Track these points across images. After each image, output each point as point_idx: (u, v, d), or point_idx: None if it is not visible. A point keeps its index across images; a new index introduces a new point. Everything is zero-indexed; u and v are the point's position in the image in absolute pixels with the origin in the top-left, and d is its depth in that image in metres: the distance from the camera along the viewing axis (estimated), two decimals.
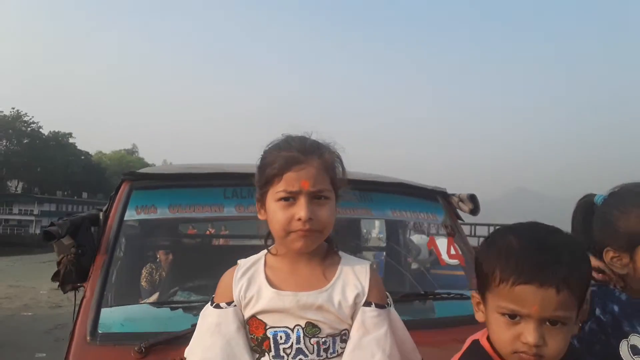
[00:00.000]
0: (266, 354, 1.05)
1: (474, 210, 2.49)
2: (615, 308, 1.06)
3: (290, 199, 1.03)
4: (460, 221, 2.56)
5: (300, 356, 1.03)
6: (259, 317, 1.06)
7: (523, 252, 0.88)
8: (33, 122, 52.87)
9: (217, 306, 1.09)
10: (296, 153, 1.05)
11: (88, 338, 1.73)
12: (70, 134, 57.52)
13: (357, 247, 2.73)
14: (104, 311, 1.82)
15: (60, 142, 52.88)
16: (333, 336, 1.05)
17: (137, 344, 1.59)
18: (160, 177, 2.42)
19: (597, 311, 1.07)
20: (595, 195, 1.18)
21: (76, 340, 1.74)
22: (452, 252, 2.41)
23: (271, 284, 1.07)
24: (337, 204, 1.12)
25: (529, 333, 0.84)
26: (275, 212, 1.04)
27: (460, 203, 2.54)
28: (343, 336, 1.05)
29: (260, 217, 1.10)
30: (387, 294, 1.14)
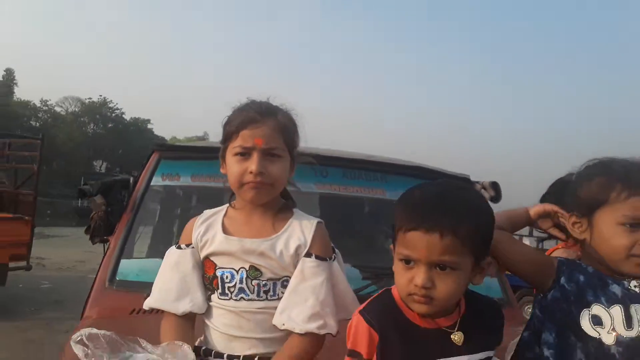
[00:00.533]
0: (215, 291, 1.17)
1: (496, 198, 2.45)
2: (581, 278, 1.04)
3: (245, 154, 1.14)
4: None
5: (242, 295, 1.14)
6: (211, 258, 1.18)
7: (418, 202, 0.93)
8: (117, 109, 57.26)
9: (179, 247, 1.22)
10: (253, 113, 1.16)
11: (107, 283, 1.97)
12: (148, 120, 61.61)
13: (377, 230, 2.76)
14: (123, 262, 2.05)
15: (139, 127, 56.88)
16: (274, 280, 1.15)
17: (147, 292, 1.79)
18: (186, 149, 2.67)
19: (562, 280, 1.04)
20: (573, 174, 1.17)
21: (97, 284, 1.99)
22: None
23: (225, 230, 1.19)
24: (294, 165, 1.23)
25: (418, 276, 0.89)
26: (232, 166, 1.16)
27: (482, 190, 2.51)
28: (284, 282, 1.15)
29: (222, 170, 1.22)
30: (336, 250, 1.22)
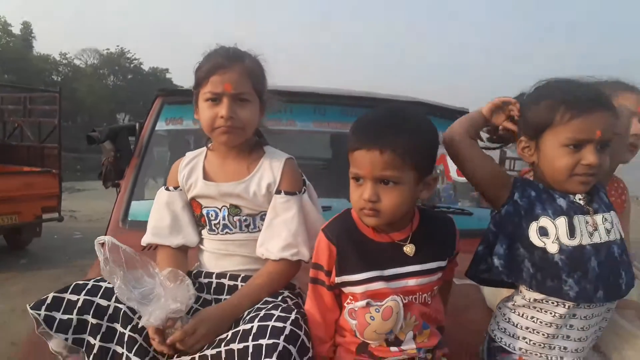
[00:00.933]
0: (204, 227, 1.30)
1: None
2: (532, 193, 1.09)
3: (215, 99, 1.20)
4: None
5: (227, 230, 1.27)
6: (197, 199, 1.30)
7: (363, 125, 1.02)
8: (135, 59, 56.84)
9: (167, 189, 1.34)
10: (221, 59, 1.21)
11: (120, 224, 2.11)
12: (167, 70, 61.18)
13: None
14: (134, 204, 2.18)
15: (158, 77, 56.66)
16: (253, 215, 1.26)
17: None
18: (188, 93, 2.70)
19: (516, 196, 1.10)
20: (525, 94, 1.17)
21: (111, 225, 2.13)
22: None
23: (205, 175, 1.29)
24: (265, 108, 1.29)
25: (365, 191, 0.99)
26: (203, 111, 1.23)
27: None
28: (262, 216, 1.26)
29: (195, 116, 1.29)
30: (307, 183, 1.29)
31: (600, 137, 1.02)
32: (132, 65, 56.88)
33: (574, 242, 1.03)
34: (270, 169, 1.26)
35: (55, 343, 1.09)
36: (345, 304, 1.06)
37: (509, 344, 1.10)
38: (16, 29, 45.23)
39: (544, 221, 1.05)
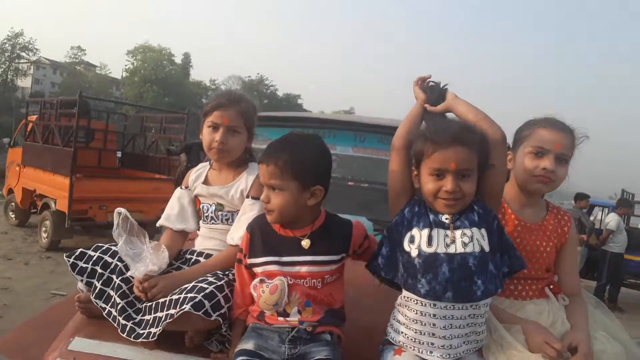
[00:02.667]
0: (202, 218, 1.71)
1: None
2: (416, 209, 1.30)
3: (215, 127, 1.63)
4: None
5: (213, 221, 1.68)
6: (198, 197, 1.73)
7: (267, 146, 1.34)
8: (272, 85, 62.36)
9: (181, 188, 1.79)
10: (224, 100, 1.64)
11: None
12: (299, 96, 65.89)
13: None
14: None
15: (290, 103, 61.25)
16: (232, 212, 1.65)
17: None
18: (272, 119, 3.19)
19: (406, 210, 1.31)
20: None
21: None
22: None
23: (205, 180, 1.72)
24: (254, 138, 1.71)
25: (263, 194, 1.32)
26: (205, 134, 1.66)
27: None
28: (239, 212, 1.62)
29: (200, 136, 1.71)
30: None
31: (456, 168, 1.22)
32: (268, 91, 62.64)
33: (430, 250, 1.22)
34: (246, 179, 1.64)
35: (80, 284, 1.58)
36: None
37: (393, 338, 1.29)
38: (178, 59, 53.22)
39: (414, 231, 1.26)
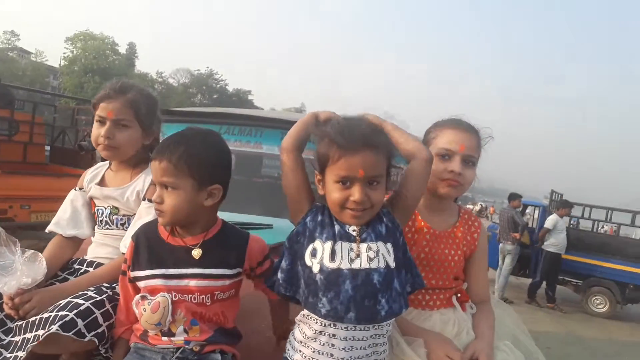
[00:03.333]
0: (97, 222, 1.56)
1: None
2: (320, 218, 1.18)
3: (101, 122, 1.48)
4: None
5: (107, 226, 1.54)
6: (93, 199, 1.57)
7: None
8: (222, 80, 61.01)
9: (75, 189, 1.62)
10: (108, 90, 1.50)
11: None
12: (249, 92, 64.91)
13: None
14: None
15: (241, 98, 60.21)
16: (128, 216, 1.51)
17: None
18: (178, 113, 3.04)
19: (308, 218, 1.19)
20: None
21: None
22: None
23: (101, 180, 1.57)
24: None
25: (154, 194, 1.20)
26: (93, 130, 1.52)
27: None
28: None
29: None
30: None
31: (365, 175, 1.10)
32: (218, 85, 61.25)
33: (334, 265, 1.11)
34: (143, 180, 1.50)
35: None
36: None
37: (290, 356, 1.20)
38: (122, 49, 50.87)
39: (317, 243, 1.15)
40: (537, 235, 8.42)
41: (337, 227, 1.16)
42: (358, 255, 1.13)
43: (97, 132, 1.49)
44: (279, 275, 1.19)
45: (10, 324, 1.29)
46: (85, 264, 1.50)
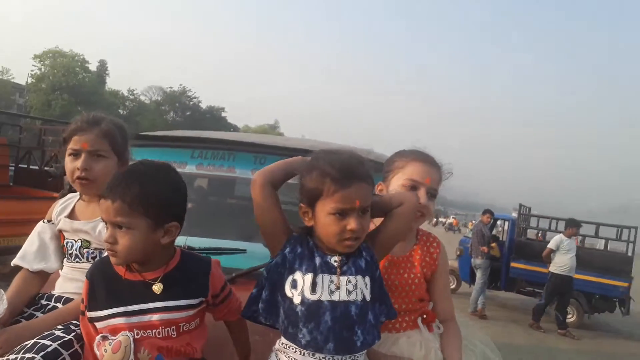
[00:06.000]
0: (67, 255, 1.53)
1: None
2: (299, 249, 1.21)
3: (76, 154, 1.47)
4: None
5: (77, 259, 1.50)
6: (62, 232, 1.54)
7: (112, 177, 1.19)
8: (195, 97, 60.74)
9: (43, 221, 1.59)
10: (81, 123, 1.49)
11: None
12: (223, 109, 64.73)
13: None
14: None
15: (214, 116, 59.94)
16: (100, 250, 1.48)
17: None
18: (149, 138, 3.02)
19: (287, 250, 1.21)
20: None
21: None
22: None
23: (71, 213, 1.54)
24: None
25: (106, 234, 1.15)
26: (66, 164, 1.50)
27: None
28: None
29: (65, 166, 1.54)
30: None
31: (360, 205, 1.16)
32: (191, 103, 60.85)
33: (314, 297, 1.15)
34: None
35: None
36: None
37: None
38: (93, 66, 50.04)
39: (297, 275, 1.18)
40: (507, 248, 8.64)
41: (317, 260, 1.20)
42: (338, 288, 1.17)
43: (72, 165, 1.47)
44: (260, 305, 1.20)
45: None
46: (53, 299, 1.47)
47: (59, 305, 1.45)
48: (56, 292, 1.51)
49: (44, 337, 1.21)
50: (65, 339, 1.21)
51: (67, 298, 1.47)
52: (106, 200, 1.15)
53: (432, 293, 1.57)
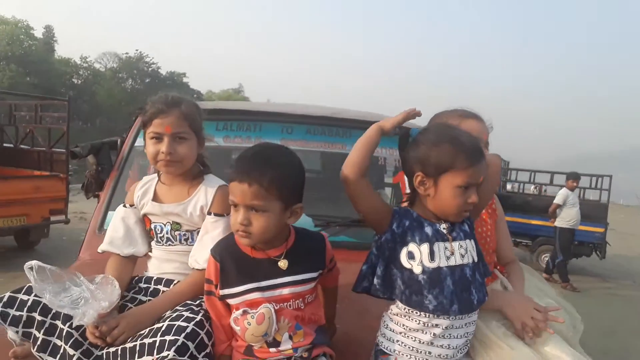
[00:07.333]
0: (154, 239, 1.52)
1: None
2: (407, 223, 1.26)
3: (158, 138, 1.43)
4: None
5: (170, 242, 1.49)
6: (148, 215, 1.52)
7: (237, 160, 1.22)
8: (153, 63, 58.08)
9: (124, 206, 1.56)
10: (161, 105, 1.44)
11: (97, 231, 2.34)
12: (184, 74, 62.29)
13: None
14: (110, 213, 2.40)
15: (175, 82, 57.71)
16: (191, 231, 1.48)
17: None
18: (221, 112, 2.92)
19: (394, 225, 1.26)
20: (411, 128, 1.35)
21: (89, 232, 2.36)
22: None
23: (154, 196, 1.52)
24: (206, 139, 1.53)
25: (239, 216, 1.18)
26: (148, 147, 1.46)
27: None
28: (199, 231, 1.46)
29: (145, 150, 1.50)
30: None
31: (478, 181, 1.25)
32: (150, 69, 58.17)
33: (434, 265, 1.22)
34: (205, 193, 1.47)
35: (11, 333, 1.31)
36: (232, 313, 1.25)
37: (387, 347, 1.28)
38: (38, 33, 46.79)
39: (412, 247, 1.24)
40: None
41: (428, 229, 1.26)
42: (452, 253, 1.25)
43: (155, 148, 1.44)
44: (375, 280, 1.26)
45: (97, 352, 1.25)
46: (152, 282, 1.47)
47: (160, 287, 1.45)
48: (153, 273, 1.50)
49: (175, 319, 1.21)
50: (196, 319, 1.22)
51: (167, 279, 1.46)
52: (241, 184, 1.16)
53: (497, 239, 1.67)
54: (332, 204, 2.59)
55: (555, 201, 7.62)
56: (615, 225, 9.50)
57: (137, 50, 57.45)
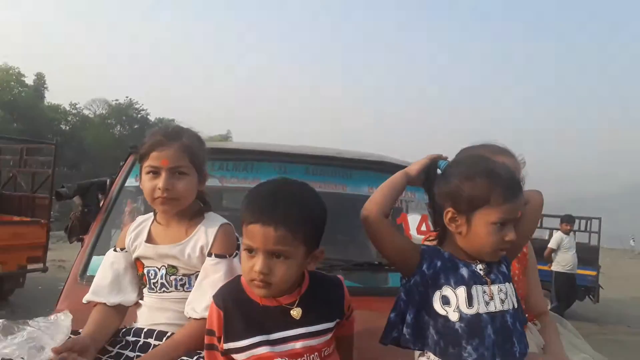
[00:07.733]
0: (145, 285, 1.36)
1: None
2: (438, 263, 1.14)
3: (155, 172, 1.30)
4: None
5: (164, 289, 1.33)
6: (140, 259, 1.37)
7: (257, 199, 1.06)
8: (142, 109, 58.56)
9: (115, 250, 1.41)
10: (160, 137, 1.32)
11: (78, 278, 2.13)
12: (173, 120, 62.77)
13: None
14: (94, 258, 2.21)
15: None
16: (188, 275, 1.32)
17: None
18: (228, 152, 2.79)
19: (424, 266, 1.13)
20: (439, 160, 1.26)
21: (70, 279, 2.15)
22: (424, 228, 2.47)
23: (148, 237, 1.37)
24: (206, 175, 1.39)
25: (257, 263, 1.02)
26: (144, 182, 1.33)
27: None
28: (197, 275, 1.31)
29: (140, 186, 1.37)
30: (241, 247, 1.34)
31: (516, 216, 1.13)
32: (139, 115, 58.50)
33: (472, 311, 1.08)
34: (205, 233, 1.32)
35: None
36: None
37: None
38: (29, 80, 47.10)
39: (446, 290, 1.11)
40: None
41: (464, 270, 1.13)
42: (492, 298, 1.11)
43: (152, 184, 1.30)
44: (405, 330, 1.11)
45: None
46: (142, 334, 1.29)
47: (151, 340, 1.27)
48: (143, 325, 1.32)
49: None
50: None
51: (160, 332, 1.29)
52: (264, 227, 1.01)
53: (527, 286, 1.56)
54: (333, 246, 2.45)
55: (550, 245, 7.44)
56: (604, 269, 9.40)
57: (127, 97, 58.12)
